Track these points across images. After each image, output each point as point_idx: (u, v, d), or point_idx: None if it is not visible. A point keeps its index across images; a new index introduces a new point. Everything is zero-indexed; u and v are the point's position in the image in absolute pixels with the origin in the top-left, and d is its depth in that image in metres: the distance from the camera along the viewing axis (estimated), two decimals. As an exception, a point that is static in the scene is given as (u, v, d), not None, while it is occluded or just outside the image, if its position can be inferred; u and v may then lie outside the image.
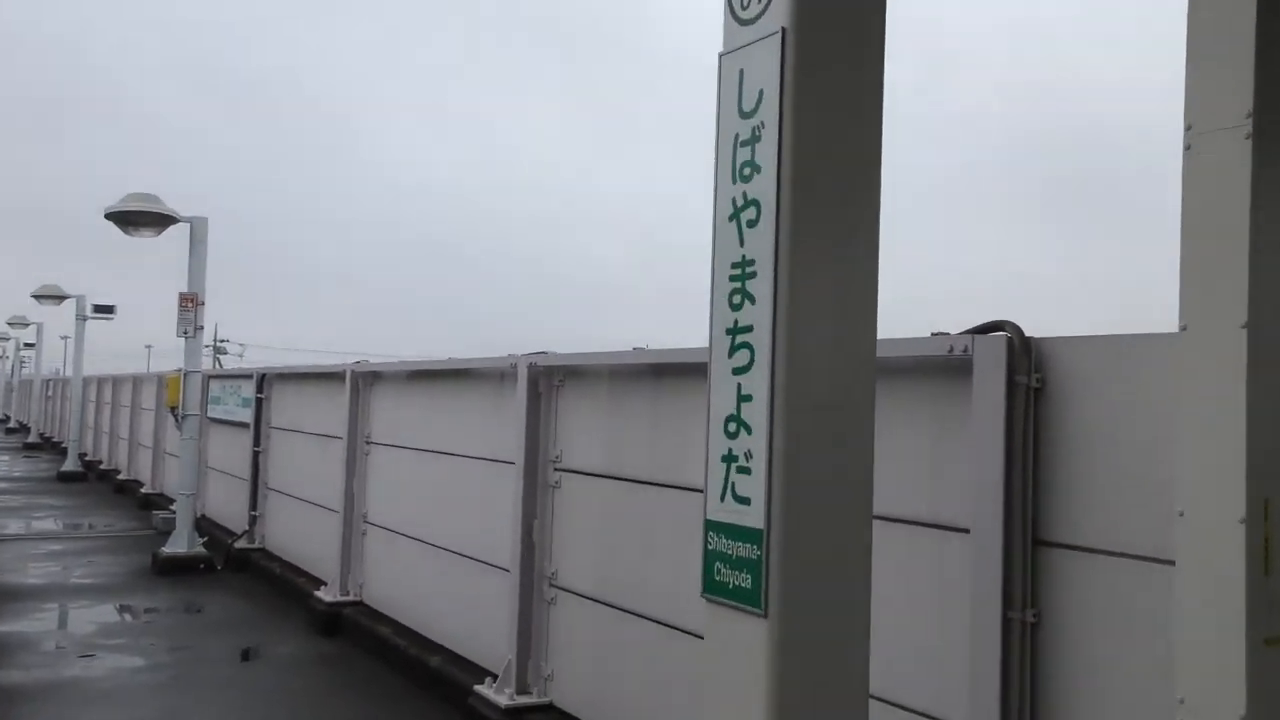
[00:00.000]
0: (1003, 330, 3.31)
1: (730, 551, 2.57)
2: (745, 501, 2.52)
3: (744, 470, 2.53)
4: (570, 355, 5.95)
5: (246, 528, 11.59)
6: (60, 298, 21.07)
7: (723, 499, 2.60)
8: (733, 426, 2.58)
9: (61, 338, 32.58)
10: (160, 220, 10.97)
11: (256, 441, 11.63)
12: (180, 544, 11.18)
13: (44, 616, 9.02)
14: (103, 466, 21.76)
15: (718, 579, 2.61)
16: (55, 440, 31.16)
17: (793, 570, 2.46)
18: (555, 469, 6.04)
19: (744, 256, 2.56)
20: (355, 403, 8.90)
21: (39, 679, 7.12)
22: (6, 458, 27.58)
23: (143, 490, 17.10)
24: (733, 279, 2.60)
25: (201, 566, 11.12)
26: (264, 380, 11.64)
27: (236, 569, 11.26)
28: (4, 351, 54.70)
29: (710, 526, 2.65)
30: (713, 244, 2.68)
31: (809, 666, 2.49)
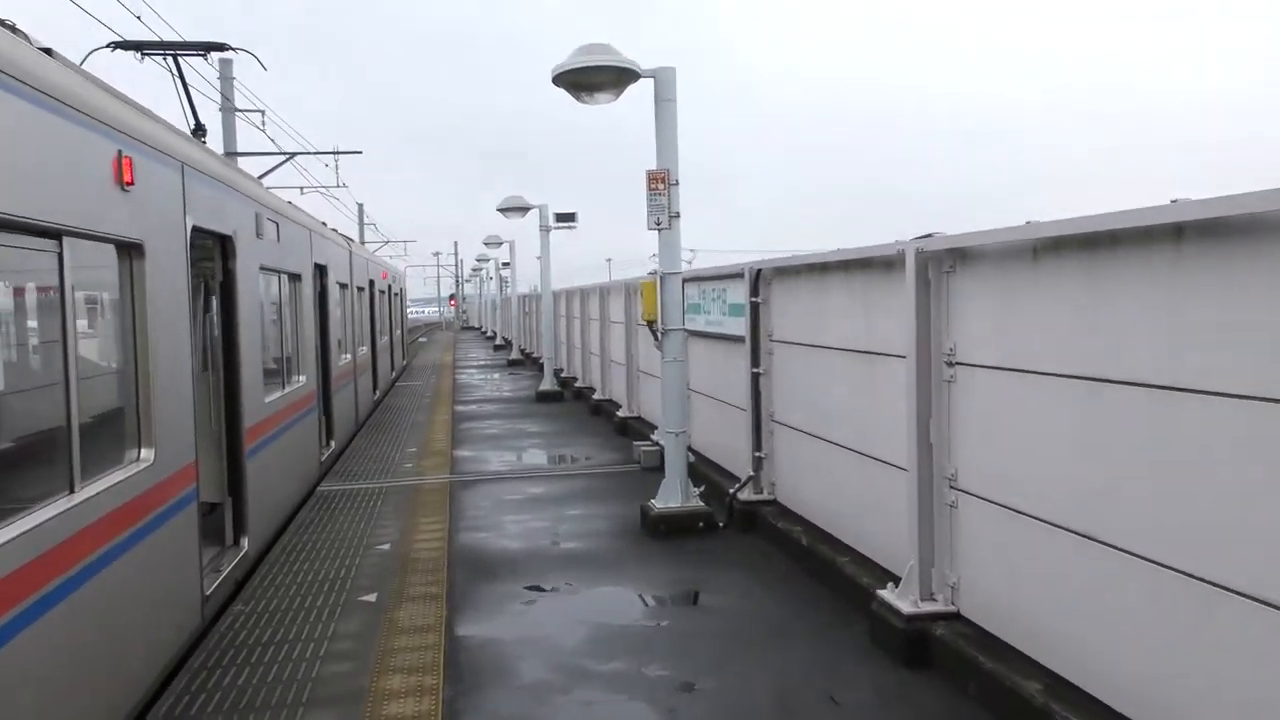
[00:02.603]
0: None
1: None
2: None
3: None
4: None
5: (750, 472, 8.87)
6: (524, 209, 20.02)
7: None
8: None
9: (536, 258, 33.08)
10: (619, 77, 8.31)
11: (755, 360, 8.81)
12: (673, 496, 8.72)
13: (522, 612, 6.83)
14: (578, 384, 20.77)
15: None
16: (534, 355, 31.70)
17: None
18: None
19: None
20: (925, 301, 5.60)
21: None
22: (497, 376, 28.13)
23: (619, 414, 15.35)
24: None
25: (700, 525, 8.59)
26: (759, 278, 8.74)
27: (742, 528, 8.61)
28: (488, 273, 59.04)
29: None
30: None
31: None
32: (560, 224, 20.39)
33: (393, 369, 26.58)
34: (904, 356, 5.77)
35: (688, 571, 7.57)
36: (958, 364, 5.41)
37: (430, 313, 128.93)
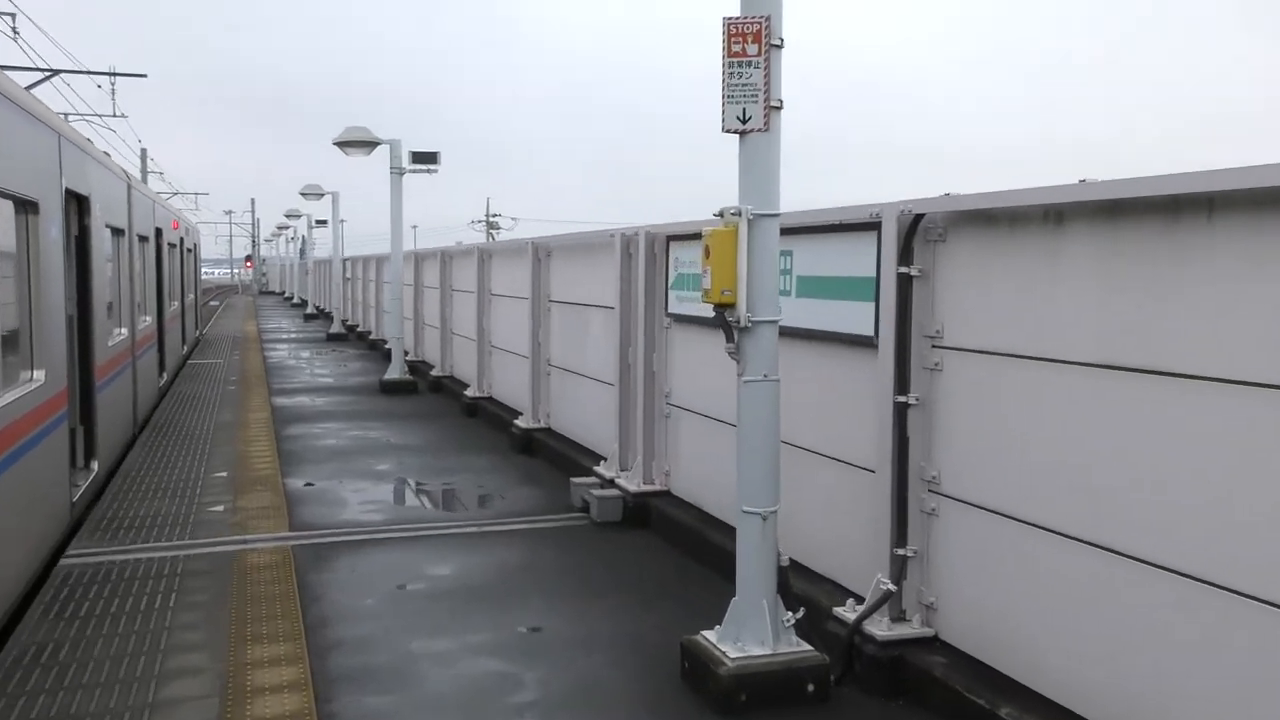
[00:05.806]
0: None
1: None
2: None
3: None
4: None
5: (885, 583, 4.92)
6: (371, 144, 15.29)
7: None
8: None
9: (340, 220, 28.08)
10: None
11: (900, 382, 4.88)
12: (756, 635, 4.65)
13: None
14: (435, 373, 16.31)
15: None
16: (361, 330, 26.78)
17: None
18: None
19: None
20: None
21: None
22: (307, 354, 22.88)
23: (519, 424, 11.09)
24: None
25: (810, 689, 4.62)
26: (914, 230, 4.82)
27: (875, 689, 4.70)
28: (294, 233, 52.80)
29: None
30: None
31: None
32: (419, 166, 15.82)
33: (184, 343, 21.18)
34: None
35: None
36: None
37: (221, 274, 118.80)
